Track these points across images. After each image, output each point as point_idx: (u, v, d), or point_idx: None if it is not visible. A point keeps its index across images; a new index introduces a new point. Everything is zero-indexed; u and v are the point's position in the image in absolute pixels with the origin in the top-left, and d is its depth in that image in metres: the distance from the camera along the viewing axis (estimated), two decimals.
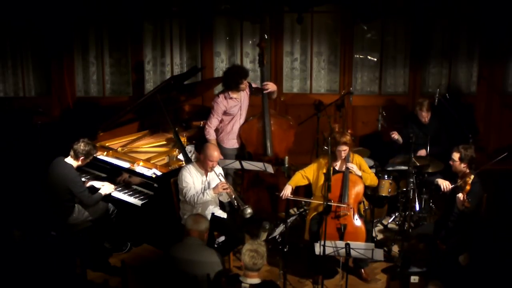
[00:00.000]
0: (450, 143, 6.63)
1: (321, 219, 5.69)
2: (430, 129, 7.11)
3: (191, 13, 8.38)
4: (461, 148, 5.71)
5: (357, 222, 5.81)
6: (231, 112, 6.79)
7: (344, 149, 5.91)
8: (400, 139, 7.20)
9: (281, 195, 5.93)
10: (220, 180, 5.79)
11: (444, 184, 5.84)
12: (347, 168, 5.92)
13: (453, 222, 5.64)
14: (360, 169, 6.03)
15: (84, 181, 6.13)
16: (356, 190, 5.90)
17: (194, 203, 5.77)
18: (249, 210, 5.69)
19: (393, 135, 7.22)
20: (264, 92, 6.78)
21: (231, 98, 6.74)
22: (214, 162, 5.79)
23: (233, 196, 5.77)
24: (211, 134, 6.79)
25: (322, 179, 5.78)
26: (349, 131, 6.85)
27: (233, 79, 6.65)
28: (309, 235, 5.90)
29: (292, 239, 6.17)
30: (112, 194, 6.23)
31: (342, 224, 5.69)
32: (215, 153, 5.78)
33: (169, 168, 6.37)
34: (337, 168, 6.04)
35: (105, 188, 6.12)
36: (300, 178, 6.06)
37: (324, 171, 5.69)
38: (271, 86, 6.82)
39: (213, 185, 5.84)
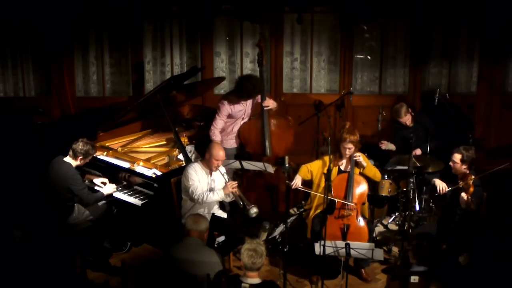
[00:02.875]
0: (447, 138, 6.62)
1: (324, 218, 5.66)
2: (418, 129, 7.02)
3: (191, 13, 8.37)
4: (463, 149, 5.65)
5: (361, 222, 5.80)
6: (235, 116, 6.81)
7: (349, 147, 5.90)
8: (393, 147, 7.17)
9: (291, 184, 5.90)
10: (225, 179, 5.79)
11: (441, 186, 5.80)
12: (352, 168, 5.90)
13: (455, 223, 5.62)
14: None
15: (86, 176, 6.20)
16: (361, 190, 5.89)
17: (202, 201, 5.72)
18: (254, 210, 5.67)
19: (382, 146, 7.18)
20: (265, 109, 6.76)
21: (238, 103, 6.74)
22: (220, 161, 5.78)
23: (239, 196, 5.74)
24: (216, 135, 6.77)
25: (323, 178, 5.79)
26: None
27: (248, 91, 6.63)
28: (311, 234, 5.90)
29: (292, 239, 6.17)
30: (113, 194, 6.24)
31: (345, 224, 5.67)
32: (220, 153, 5.76)
33: (169, 168, 6.37)
34: (342, 168, 6.03)
35: (107, 188, 6.12)
36: (306, 171, 6.04)
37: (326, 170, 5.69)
38: (271, 104, 6.81)
39: (217, 184, 5.83)
